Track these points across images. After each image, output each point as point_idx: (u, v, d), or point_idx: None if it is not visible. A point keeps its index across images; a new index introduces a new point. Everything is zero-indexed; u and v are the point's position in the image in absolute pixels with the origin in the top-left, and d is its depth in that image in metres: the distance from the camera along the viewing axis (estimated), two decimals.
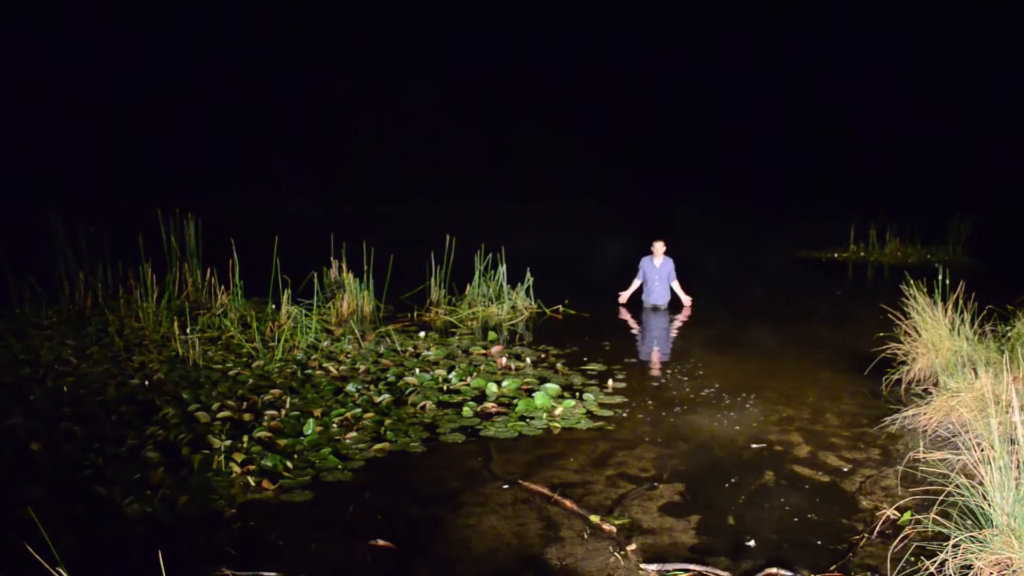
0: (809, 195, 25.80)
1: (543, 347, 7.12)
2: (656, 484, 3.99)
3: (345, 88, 28.89)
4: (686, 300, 9.14)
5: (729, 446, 4.58)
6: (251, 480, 3.88)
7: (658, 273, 9.06)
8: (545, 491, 3.85)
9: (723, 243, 17.37)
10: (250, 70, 28.35)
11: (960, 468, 3.60)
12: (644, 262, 9.13)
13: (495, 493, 3.86)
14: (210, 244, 8.49)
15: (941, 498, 3.20)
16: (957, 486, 3.18)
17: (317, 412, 4.97)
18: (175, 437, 4.35)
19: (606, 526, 3.46)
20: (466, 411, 5.14)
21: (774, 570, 3.09)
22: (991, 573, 2.81)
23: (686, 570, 3.08)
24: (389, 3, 30.33)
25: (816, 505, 3.75)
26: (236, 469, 3.98)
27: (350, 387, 5.53)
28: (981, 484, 3.06)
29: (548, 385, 5.54)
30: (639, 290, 9.26)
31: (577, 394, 5.56)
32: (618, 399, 5.50)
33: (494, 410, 5.21)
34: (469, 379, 5.86)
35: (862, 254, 15.55)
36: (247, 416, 4.83)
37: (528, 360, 6.51)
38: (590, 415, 5.13)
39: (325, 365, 6.20)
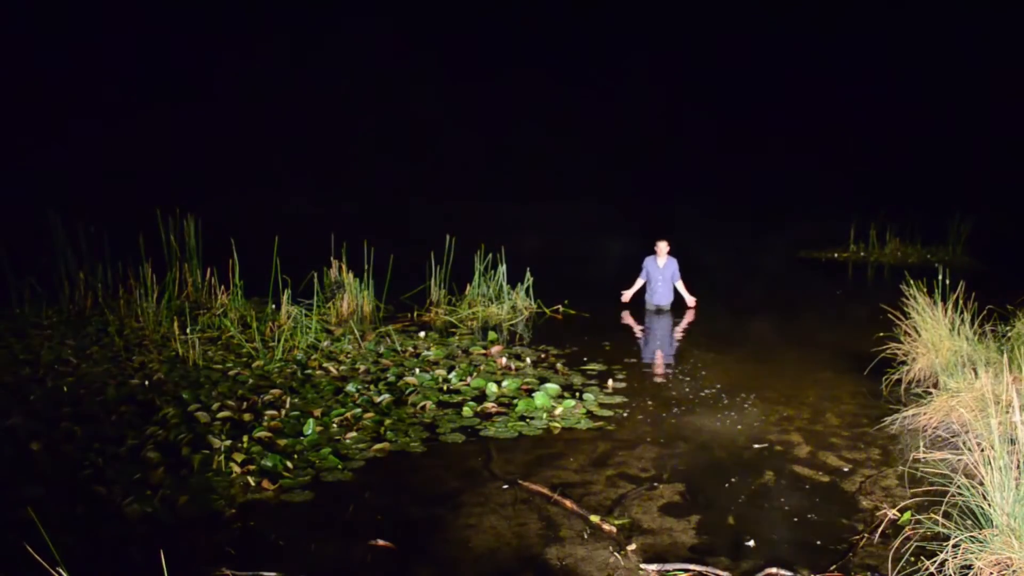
0: (809, 195, 25.79)
1: (543, 347, 7.12)
2: (656, 484, 3.99)
3: (345, 88, 28.90)
4: (690, 300, 9.02)
5: (729, 446, 4.58)
6: (251, 480, 3.88)
7: (661, 273, 8.96)
8: (545, 491, 3.85)
9: (723, 243, 17.36)
10: (250, 70, 28.36)
11: (960, 468, 3.61)
12: (647, 262, 9.04)
13: (495, 493, 3.86)
14: (210, 244, 8.49)
15: (941, 498, 3.20)
16: (957, 486, 3.18)
17: (317, 412, 4.97)
18: (175, 437, 4.35)
19: (606, 526, 3.46)
20: (466, 411, 5.14)
21: (774, 570, 3.09)
22: (991, 573, 2.81)
23: (686, 570, 3.08)
24: (389, 3, 30.35)
25: (816, 505, 3.75)
26: (236, 469, 3.97)
27: (350, 387, 5.53)
28: (981, 484, 3.06)
29: (548, 385, 5.54)
30: (641, 290, 9.19)
31: (577, 394, 5.56)
32: (618, 399, 5.50)
33: (494, 410, 5.21)
34: (469, 379, 5.86)
35: (862, 254, 15.54)
36: (247, 416, 4.83)
37: (528, 360, 6.51)
38: (590, 415, 5.13)
39: (325, 365, 6.20)
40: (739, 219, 23.03)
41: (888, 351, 5.95)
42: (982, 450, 3.13)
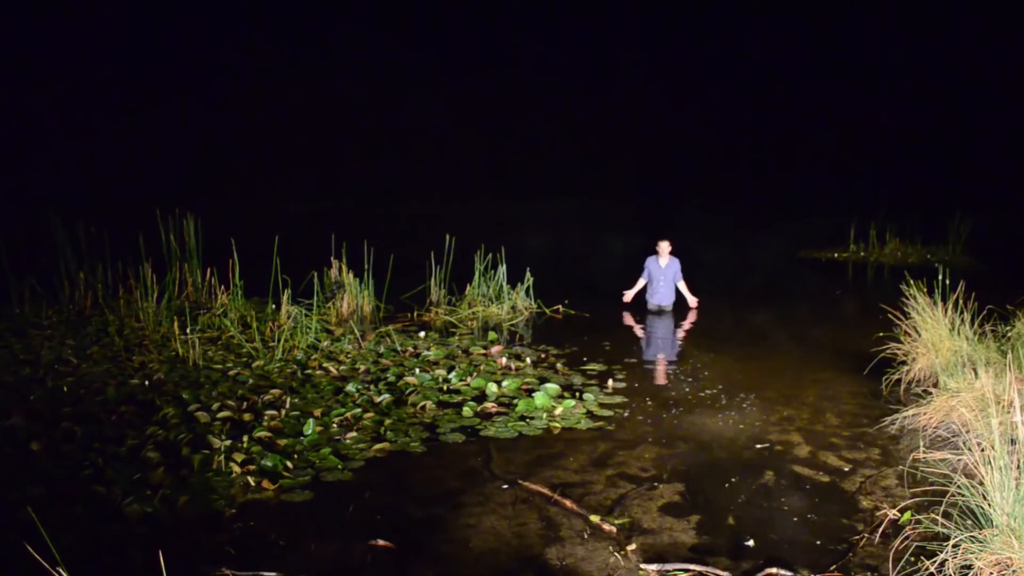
0: (809, 195, 25.80)
1: (543, 347, 7.12)
2: (656, 484, 3.99)
3: (345, 88, 28.90)
4: (692, 301, 8.96)
5: (729, 446, 4.58)
6: (251, 480, 3.88)
7: (663, 273, 8.89)
8: (545, 491, 3.85)
9: (723, 243, 17.37)
10: (250, 70, 28.36)
11: (960, 468, 3.61)
12: (649, 261, 8.96)
13: (495, 493, 3.86)
14: (210, 244, 8.49)
15: (941, 498, 3.20)
16: (957, 486, 3.18)
17: (317, 412, 4.97)
18: (175, 437, 4.35)
19: (606, 526, 3.46)
20: (466, 411, 5.14)
21: (774, 570, 3.09)
22: (991, 573, 2.81)
23: (686, 570, 3.08)
24: (389, 3, 30.35)
25: (816, 505, 3.75)
26: (236, 469, 3.97)
27: (350, 387, 5.53)
28: (981, 484, 3.06)
29: (548, 385, 5.54)
30: (643, 291, 9.12)
31: (577, 394, 5.55)
32: (618, 399, 5.50)
33: (494, 410, 5.21)
34: (469, 379, 5.86)
35: (862, 254, 15.54)
36: (247, 416, 4.83)
37: (528, 360, 6.51)
38: (590, 415, 5.13)
39: (325, 365, 6.20)
40: (739, 219, 23.04)
41: (888, 351, 5.95)
42: (982, 450, 3.13)
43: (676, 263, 8.94)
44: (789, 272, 13.76)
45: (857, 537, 3.40)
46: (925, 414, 4.77)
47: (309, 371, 6.06)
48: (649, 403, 5.43)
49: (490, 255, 8.92)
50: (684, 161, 29.52)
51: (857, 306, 9.66)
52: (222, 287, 8.04)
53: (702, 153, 29.78)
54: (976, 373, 4.71)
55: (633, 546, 3.29)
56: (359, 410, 5.05)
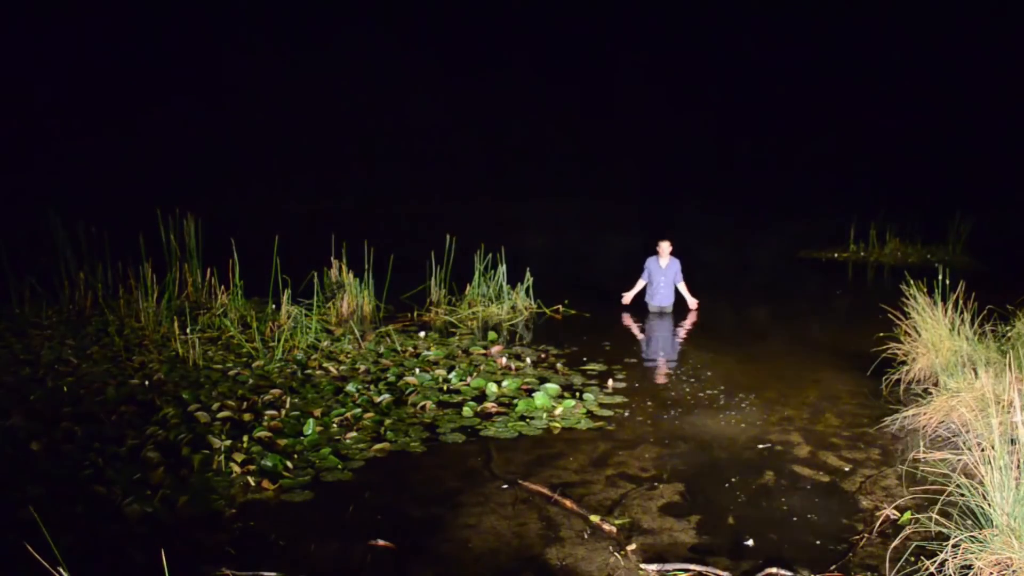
0: (809, 195, 25.79)
1: (543, 347, 7.12)
2: (656, 484, 3.99)
3: (345, 88, 28.90)
4: (692, 303, 8.91)
5: (729, 446, 4.58)
6: (251, 480, 3.88)
7: (663, 274, 8.85)
8: (545, 491, 3.85)
9: (723, 243, 17.37)
10: (251, 70, 28.36)
11: (960, 468, 3.61)
12: (650, 262, 8.91)
13: (495, 493, 3.86)
14: (210, 244, 8.49)
15: (941, 498, 3.20)
16: (957, 486, 3.18)
17: (317, 412, 4.97)
18: (175, 437, 4.36)
19: (606, 526, 3.46)
20: (466, 411, 5.14)
21: (774, 570, 3.09)
22: (991, 573, 2.81)
23: (686, 570, 3.08)
24: (389, 3, 30.36)
25: (816, 505, 3.75)
26: (236, 469, 3.98)
27: (350, 387, 5.53)
28: (981, 484, 3.06)
29: (548, 385, 5.54)
30: (642, 292, 9.07)
31: (577, 394, 5.56)
32: (618, 399, 5.50)
33: (494, 410, 5.21)
34: (469, 379, 5.86)
35: (862, 254, 15.54)
36: (247, 416, 4.83)
37: (528, 360, 6.51)
38: (590, 415, 5.13)
39: (325, 365, 6.20)
40: (739, 219, 23.03)
41: (888, 351, 5.95)
42: (982, 450, 3.13)
43: (676, 263, 8.91)
44: (789, 272, 13.75)
45: (857, 537, 3.40)
46: (925, 414, 4.77)
47: (309, 371, 6.06)
48: (649, 403, 5.43)
49: (490, 255, 8.92)
50: (684, 161, 29.51)
51: (857, 306, 9.65)
52: (222, 287, 8.04)
53: (702, 153, 29.77)
54: (976, 373, 4.71)
55: (633, 546, 3.29)
56: (359, 410, 5.05)
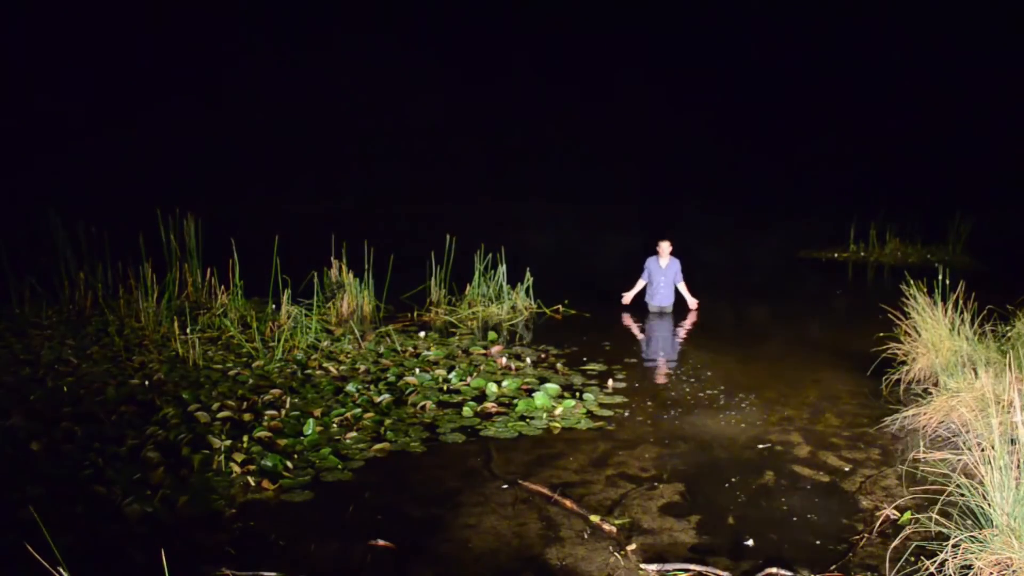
0: (809, 195, 25.80)
1: (543, 347, 7.12)
2: (656, 484, 3.99)
3: (345, 88, 28.90)
4: (692, 303, 8.90)
5: (729, 446, 4.58)
6: (251, 480, 3.88)
7: (663, 274, 8.83)
8: (545, 491, 3.85)
9: (723, 243, 17.37)
10: (251, 70, 28.37)
11: (960, 468, 3.61)
12: (650, 262, 8.90)
13: (495, 493, 3.86)
14: (210, 244, 8.50)
15: (941, 498, 3.20)
16: (957, 486, 3.18)
17: (317, 412, 4.97)
18: (175, 437, 4.36)
19: (606, 526, 3.46)
20: (466, 411, 5.14)
21: (774, 570, 3.09)
22: (991, 573, 2.81)
23: (686, 570, 3.08)
24: (389, 3, 30.36)
25: (816, 505, 3.75)
26: (236, 469, 3.98)
27: (350, 387, 5.53)
28: (981, 484, 3.06)
29: (548, 385, 5.54)
30: (642, 292, 9.06)
31: (577, 394, 5.56)
32: (618, 399, 5.50)
33: (494, 410, 5.21)
34: (469, 379, 5.86)
35: (862, 254, 15.54)
36: (247, 416, 4.83)
37: (528, 360, 6.51)
38: (590, 415, 5.13)
39: (325, 365, 6.20)
40: (739, 218, 23.04)
41: (888, 351, 5.95)
42: (982, 450, 3.13)
43: (676, 264, 8.90)
44: (789, 272, 13.76)
45: (857, 537, 3.40)
46: (925, 414, 4.77)
47: (309, 371, 6.06)
48: (649, 403, 5.43)
49: (490, 255, 8.92)
50: (684, 161, 29.51)
51: (857, 306, 9.65)
52: (222, 287, 8.04)
53: (702, 153, 29.77)
54: (976, 373, 4.71)
55: (633, 546, 3.29)
56: (359, 410, 5.05)
